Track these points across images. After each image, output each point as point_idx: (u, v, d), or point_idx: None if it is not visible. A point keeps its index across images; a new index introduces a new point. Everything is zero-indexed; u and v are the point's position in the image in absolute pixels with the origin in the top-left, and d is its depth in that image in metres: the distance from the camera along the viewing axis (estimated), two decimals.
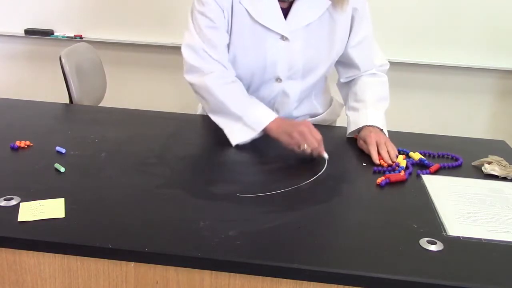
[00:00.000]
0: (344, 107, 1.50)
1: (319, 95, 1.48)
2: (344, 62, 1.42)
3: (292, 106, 1.41)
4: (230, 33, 1.29)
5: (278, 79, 1.34)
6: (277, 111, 1.40)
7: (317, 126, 1.44)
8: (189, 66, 1.30)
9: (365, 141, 1.25)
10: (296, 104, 1.42)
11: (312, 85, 1.40)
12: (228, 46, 1.30)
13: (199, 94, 1.33)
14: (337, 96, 1.57)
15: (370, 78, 1.41)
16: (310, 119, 1.48)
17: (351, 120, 1.36)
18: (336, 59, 1.39)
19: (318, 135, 1.18)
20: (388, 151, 1.21)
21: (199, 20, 1.27)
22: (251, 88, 1.37)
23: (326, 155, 1.17)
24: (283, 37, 1.29)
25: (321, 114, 1.50)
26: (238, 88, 1.31)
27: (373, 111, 1.34)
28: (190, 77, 1.31)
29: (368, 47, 1.40)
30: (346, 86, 1.46)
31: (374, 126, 1.29)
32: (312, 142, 1.16)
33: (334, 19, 1.31)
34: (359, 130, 1.31)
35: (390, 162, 1.18)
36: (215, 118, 1.30)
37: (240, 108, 1.27)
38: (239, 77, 1.34)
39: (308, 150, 1.16)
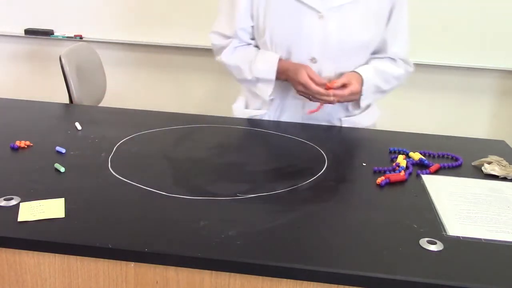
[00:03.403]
0: (379, 115, 1.55)
1: None
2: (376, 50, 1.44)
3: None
4: (266, 7, 1.36)
5: (313, 59, 1.36)
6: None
7: (312, 125, 1.45)
8: (214, 49, 1.50)
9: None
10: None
11: (345, 71, 1.39)
12: (265, 21, 1.37)
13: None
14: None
15: (388, 61, 1.44)
16: (345, 118, 1.47)
17: None
18: (371, 49, 1.41)
19: (320, 79, 1.31)
20: (341, 94, 1.30)
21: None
22: None
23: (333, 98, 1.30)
24: (319, 15, 1.31)
25: (356, 115, 1.48)
26: (241, 51, 1.44)
27: (367, 67, 1.39)
28: (217, 58, 1.49)
29: (402, 36, 1.43)
30: None
31: (357, 73, 1.35)
32: (317, 92, 1.30)
33: (369, 5, 1.34)
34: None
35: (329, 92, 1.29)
36: (243, 86, 1.51)
37: (248, 70, 1.42)
38: None
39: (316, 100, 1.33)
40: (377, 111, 1.57)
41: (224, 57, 1.45)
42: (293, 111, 1.47)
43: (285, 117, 1.49)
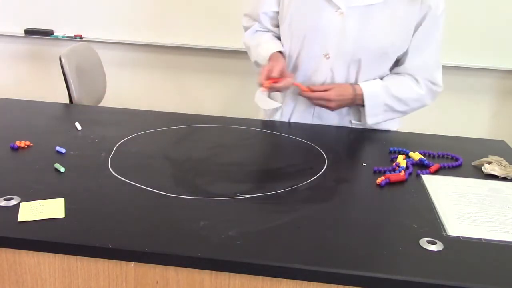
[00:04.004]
0: (397, 128, 1.51)
1: None
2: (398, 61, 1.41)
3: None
4: None
5: (327, 55, 1.35)
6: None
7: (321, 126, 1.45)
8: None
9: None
10: None
11: (362, 76, 1.36)
12: (287, 9, 1.37)
13: None
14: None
15: (409, 80, 1.38)
16: (357, 122, 1.45)
17: None
18: (393, 57, 1.36)
19: (277, 75, 1.28)
20: (318, 98, 1.33)
21: None
22: (300, 61, 1.39)
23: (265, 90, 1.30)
24: (339, 11, 1.30)
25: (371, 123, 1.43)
26: (259, 35, 1.47)
27: (375, 82, 1.37)
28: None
29: (428, 51, 1.37)
30: None
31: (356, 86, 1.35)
32: (260, 83, 1.29)
33: (396, 9, 1.30)
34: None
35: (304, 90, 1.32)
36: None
37: (255, 53, 1.46)
38: (290, 48, 1.40)
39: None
40: (396, 124, 1.51)
41: (245, 38, 1.53)
42: (305, 108, 1.46)
43: (297, 113, 1.48)
